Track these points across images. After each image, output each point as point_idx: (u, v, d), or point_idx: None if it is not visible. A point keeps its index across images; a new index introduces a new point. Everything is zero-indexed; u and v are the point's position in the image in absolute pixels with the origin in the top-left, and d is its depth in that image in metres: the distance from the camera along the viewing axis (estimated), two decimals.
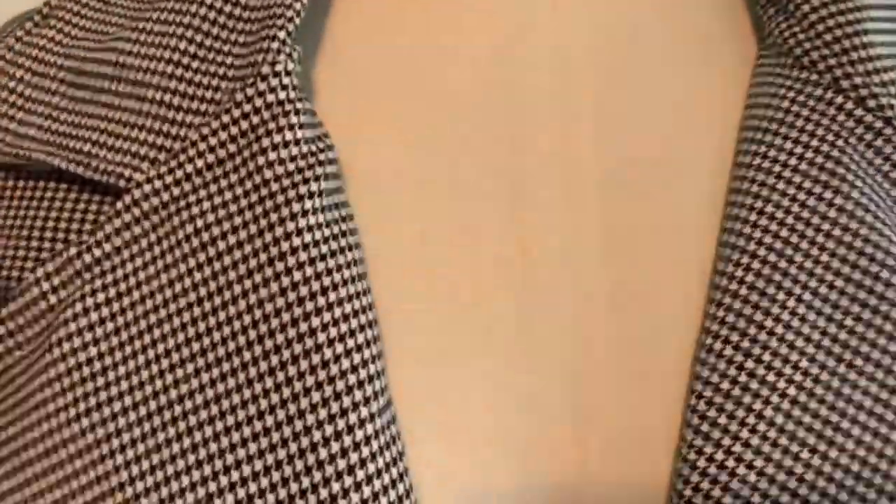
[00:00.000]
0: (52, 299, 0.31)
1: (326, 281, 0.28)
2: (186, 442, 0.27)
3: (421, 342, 0.30)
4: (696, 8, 0.34)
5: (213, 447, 0.27)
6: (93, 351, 0.29)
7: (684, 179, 0.32)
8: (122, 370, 0.29)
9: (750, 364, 0.28)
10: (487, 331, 0.30)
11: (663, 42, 0.33)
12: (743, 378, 0.28)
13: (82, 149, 0.32)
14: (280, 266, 0.28)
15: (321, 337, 0.28)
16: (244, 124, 0.30)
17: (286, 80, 0.30)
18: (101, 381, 0.29)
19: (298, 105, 0.30)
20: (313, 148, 0.30)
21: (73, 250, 0.30)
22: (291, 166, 0.29)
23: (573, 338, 0.30)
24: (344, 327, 0.28)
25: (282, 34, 0.31)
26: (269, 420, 0.27)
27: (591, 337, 0.30)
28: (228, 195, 0.30)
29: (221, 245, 0.29)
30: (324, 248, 0.29)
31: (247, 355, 0.28)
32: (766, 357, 0.28)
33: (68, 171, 0.32)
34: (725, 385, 0.28)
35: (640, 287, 0.31)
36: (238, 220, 0.29)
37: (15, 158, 0.33)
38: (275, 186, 0.29)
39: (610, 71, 0.33)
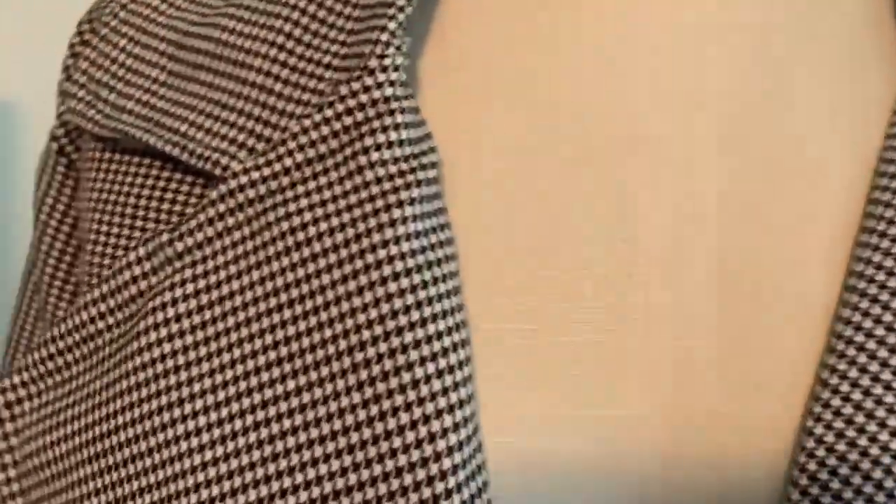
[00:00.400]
0: (143, 285, 0.30)
1: (422, 294, 0.27)
2: (267, 450, 0.27)
3: (509, 366, 0.28)
4: (842, 44, 0.31)
5: (294, 460, 0.26)
6: (178, 343, 0.28)
7: (812, 214, 0.29)
8: (205, 367, 0.28)
9: (860, 419, 0.26)
10: (580, 359, 0.28)
11: (803, 79, 0.30)
12: (851, 433, 0.26)
13: (179, 129, 0.31)
14: (375, 275, 0.27)
15: (413, 354, 0.26)
16: (347, 120, 0.29)
17: (394, 76, 0.29)
18: (184, 375, 0.28)
19: (405, 103, 0.29)
20: (416, 150, 0.29)
21: (165, 237, 0.30)
22: (394, 169, 0.28)
23: (675, 375, 0.28)
24: (437, 345, 0.27)
25: (392, 25, 0.29)
26: (354, 437, 0.26)
27: (696, 375, 0.28)
28: (327, 194, 0.28)
29: (317, 246, 0.28)
30: (420, 259, 0.27)
31: (335, 366, 0.27)
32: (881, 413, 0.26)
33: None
34: (840, 446, 0.26)
35: (751, 323, 0.28)
36: (335, 222, 0.28)
37: (112, 132, 0.33)
38: (375, 189, 0.28)
39: (742, 108, 0.30)
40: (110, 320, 0.30)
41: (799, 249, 0.29)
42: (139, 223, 0.32)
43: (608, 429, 0.28)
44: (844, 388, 0.26)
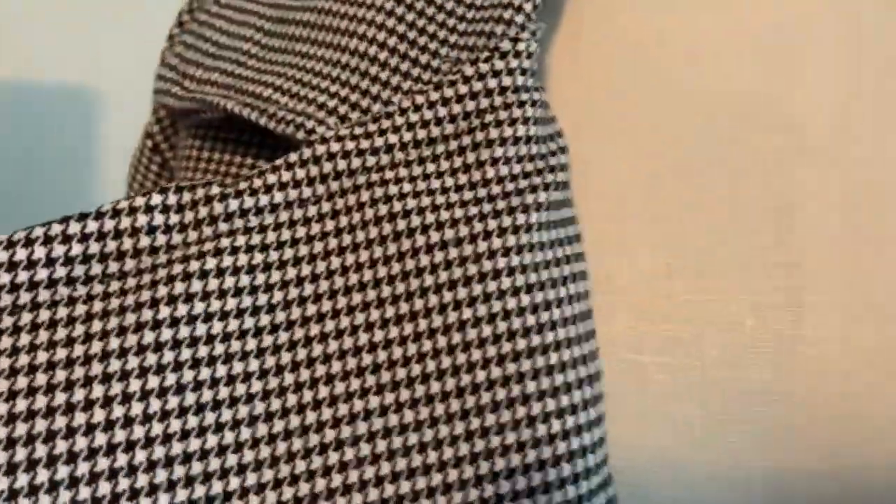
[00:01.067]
0: (161, 239, 0.23)
1: (545, 316, 0.23)
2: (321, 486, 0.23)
3: (650, 406, 0.24)
4: None
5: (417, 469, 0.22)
6: (217, 327, 0.22)
7: None
8: (252, 365, 0.22)
9: None
10: (737, 401, 0.24)
11: None
12: None
13: (262, 93, 0.27)
14: (492, 286, 0.23)
15: (530, 386, 0.22)
16: (470, 105, 0.25)
17: (527, 63, 0.25)
18: (221, 370, 0.22)
19: (536, 95, 0.25)
20: (544, 149, 0.25)
21: (214, 189, 0.23)
22: (518, 168, 0.24)
23: (846, 425, 0.24)
24: (560, 378, 0.23)
25: (528, 6, 0.25)
26: (453, 474, 0.22)
27: (870, 427, 0.24)
28: (436, 184, 0.24)
29: (420, 240, 0.24)
30: (545, 275, 0.23)
31: (434, 386, 0.22)
32: None
33: (247, 129, 0.28)
34: None
35: None
36: (445, 216, 0.24)
37: (190, 104, 0.29)
38: (496, 189, 0.24)
39: None
40: (111, 266, 0.22)
41: None
42: None
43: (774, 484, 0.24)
44: None
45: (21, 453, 0.21)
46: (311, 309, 0.23)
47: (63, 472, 0.21)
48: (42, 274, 0.21)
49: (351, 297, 0.23)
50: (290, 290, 0.23)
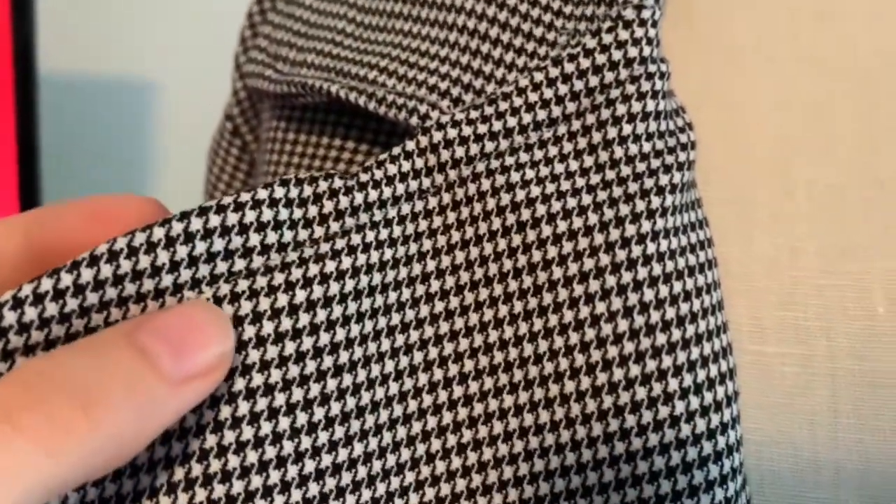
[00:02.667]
0: (288, 236, 0.21)
1: (685, 308, 0.22)
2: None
3: (781, 400, 0.23)
4: None
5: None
6: (354, 330, 0.21)
7: None
8: (388, 366, 0.21)
9: None
10: (868, 396, 0.22)
11: None
12: None
13: (366, 76, 0.26)
14: (627, 277, 0.21)
15: (672, 383, 0.21)
16: (593, 80, 0.23)
17: (652, 32, 0.23)
18: (361, 375, 0.21)
19: (662, 67, 0.23)
20: (672, 126, 0.23)
21: (337, 182, 0.21)
22: (648, 146, 0.22)
23: None
24: (702, 374, 0.21)
25: None
26: (591, 477, 0.21)
27: None
28: (559, 168, 0.23)
29: (547, 230, 0.22)
30: (681, 263, 0.22)
31: (568, 385, 0.21)
32: None
33: (355, 115, 0.26)
34: None
35: None
36: (572, 203, 0.22)
37: (288, 87, 0.27)
38: (626, 170, 0.22)
39: None
40: (220, 266, 0.20)
41: None
42: None
43: None
44: None
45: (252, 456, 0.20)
46: (439, 306, 0.22)
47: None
48: (167, 280, 0.19)
49: (478, 293, 0.22)
50: (417, 288, 0.22)
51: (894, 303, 0.23)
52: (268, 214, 0.20)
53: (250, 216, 0.20)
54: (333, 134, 0.28)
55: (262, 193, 0.20)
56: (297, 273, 0.20)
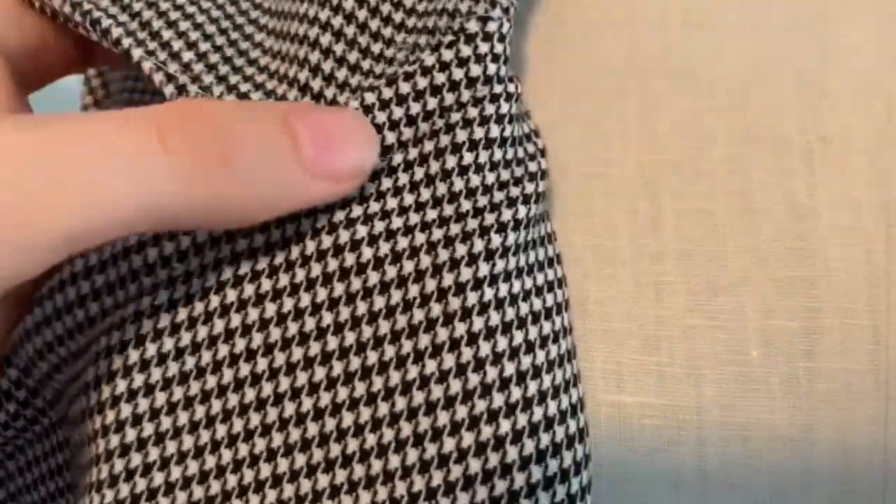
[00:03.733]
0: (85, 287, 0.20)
1: (526, 362, 0.19)
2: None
3: (638, 458, 0.20)
4: None
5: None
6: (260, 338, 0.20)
7: None
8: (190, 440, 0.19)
9: None
10: (741, 453, 0.20)
11: None
12: None
13: (170, 41, 0.22)
14: (461, 329, 0.19)
15: (511, 452, 0.18)
16: (431, 102, 0.20)
17: (499, 48, 0.20)
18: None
19: (510, 87, 0.20)
20: (521, 153, 0.20)
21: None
22: (492, 177, 0.20)
23: (880, 468, 0.20)
24: (546, 439, 0.19)
25: None
26: None
27: None
28: (392, 204, 0.20)
29: (374, 277, 0.19)
30: (524, 309, 0.19)
31: (393, 461, 0.19)
32: None
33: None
34: None
35: None
36: (403, 245, 0.20)
37: (80, 17, 0.21)
38: (466, 205, 0.20)
39: None
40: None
41: None
42: None
43: None
44: None
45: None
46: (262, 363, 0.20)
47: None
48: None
49: (308, 348, 0.20)
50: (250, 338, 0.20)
51: (770, 345, 0.20)
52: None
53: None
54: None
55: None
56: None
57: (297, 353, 0.19)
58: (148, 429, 0.20)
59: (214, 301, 0.20)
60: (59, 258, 0.17)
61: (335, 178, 0.19)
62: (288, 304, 0.20)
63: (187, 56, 0.22)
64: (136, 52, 0.21)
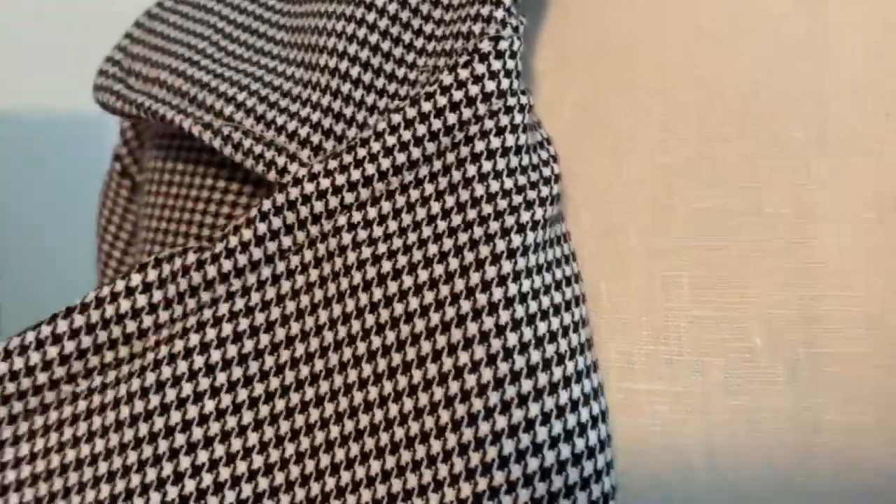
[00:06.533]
0: (147, 321, 0.22)
1: (550, 350, 0.20)
2: None
3: (649, 440, 0.21)
4: None
5: None
6: (209, 406, 0.21)
7: None
8: (251, 439, 0.21)
9: None
10: (746, 433, 0.21)
11: None
12: None
13: (222, 110, 0.24)
14: (489, 322, 0.20)
15: (541, 433, 0.20)
16: (451, 118, 0.22)
17: (510, 64, 0.22)
18: (219, 451, 0.21)
19: (523, 99, 0.22)
20: (535, 160, 0.22)
21: (190, 257, 0.22)
22: (510, 182, 0.22)
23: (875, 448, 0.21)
24: (572, 420, 0.20)
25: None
26: None
27: None
28: (421, 213, 0.22)
29: (408, 281, 0.21)
30: (545, 302, 0.21)
31: (435, 446, 0.20)
32: None
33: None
34: None
35: None
36: (433, 250, 0.21)
37: (136, 110, 0.26)
38: (487, 209, 0.21)
39: None
40: (91, 361, 0.22)
41: None
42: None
43: None
44: None
45: None
46: (305, 371, 0.21)
47: None
48: (42, 378, 0.22)
49: (342, 353, 0.21)
50: (282, 354, 0.21)
51: (773, 333, 0.21)
52: (125, 305, 0.22)
53: (110, 310, 0.22)
54: (209, 164, 0.27)
55: (120, 285, 0.22)
56: (149, 357, 0.22)
57: (347, 352, 0.21)
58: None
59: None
60: None
61: None
62: (337, 309, 0.22)
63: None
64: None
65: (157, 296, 0.22)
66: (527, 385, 0.20)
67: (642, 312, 0.22)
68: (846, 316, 0.21)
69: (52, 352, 0.22)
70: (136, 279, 0.22)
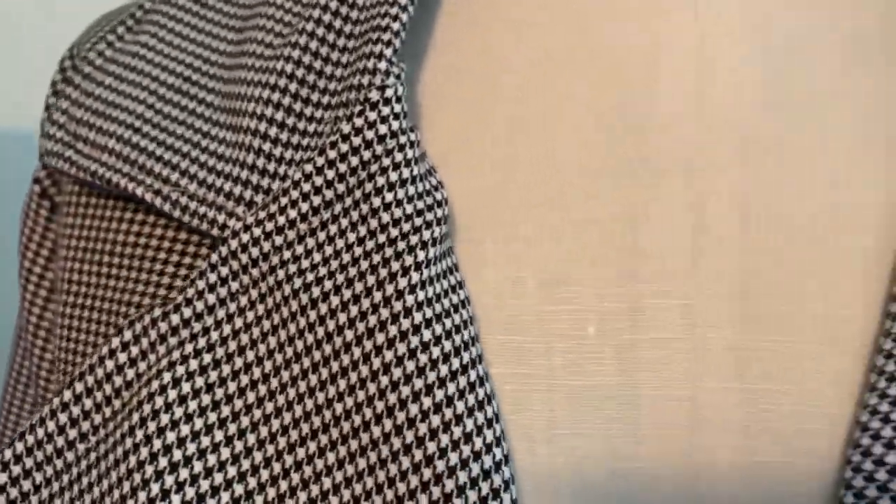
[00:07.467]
0: (130, 374, 0.26)
1: (436, 351, 0.25)
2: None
3: (528, 419, 0.25)
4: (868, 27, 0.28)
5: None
6: (185, 430, 0.25)
7: (840, 239, 0.26)
8: (223, 454, 0.25)
9: None
10: (581, 405, 0.25)
11: (827, 73, 0.27)
12: None
13: (168, 177, 0.28)
14: (393, 330, 0.25)
15: (434, 420, 0.24)
16: (353, 160, 0.26)
17: (397, 108, 0.26)
18: (198, 467, 0.25)
19: (412, 136, 0.26)
20: (428, 186, 0.26)
21: (157, 311, 0.26)
22: (409, 208, 0.26)
23: (689, 415, 0.25)
24: (461, 406, 0.24)
25: (388, 52, 0.27)
26: None
27: (713, 414, 0.25)
28: (339, 244, 0.26)
29: (335, 301, 0.25)
30: (437, 307, 0.25)
31: (363, 438, 0.24)
32: None
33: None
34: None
35: (771, 355, 0.25)
36: (352, 273, 0.25)
37: (92, 177, 0.30)
38: (393, 232, 0.25)
39: (763, 119, 0.27)
40: (95, 420, 0.26)
41: (828, 266, 0.26)
42: (121, 286, 0.29)
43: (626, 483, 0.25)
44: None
45: None
46: (263, 389, 0.25)
47: None
48: (13, 493, 0.27)
49: (292, 369, 0.25)
50: (242, 378, 0.26)
51: (603, 322, 0.26)
52: (85, 404, 0.27)
53: (63, 418, 0.27)
54: (128, 197, 0.30)
55: (79, 386, 0.27)
56: (133, 401, 0.26)
57: (296, 367, 0.25)
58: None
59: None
60: None
61: None
62: (283, 334, 0.26)
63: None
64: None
65: (135, 351, 0.26)
66: (431, 376, 0.24)
67: (497, 308, 0.26)
68: (661, 308, 0.26)
69: (15, 470, 0.27)
70: (115, 342, 0.26)
